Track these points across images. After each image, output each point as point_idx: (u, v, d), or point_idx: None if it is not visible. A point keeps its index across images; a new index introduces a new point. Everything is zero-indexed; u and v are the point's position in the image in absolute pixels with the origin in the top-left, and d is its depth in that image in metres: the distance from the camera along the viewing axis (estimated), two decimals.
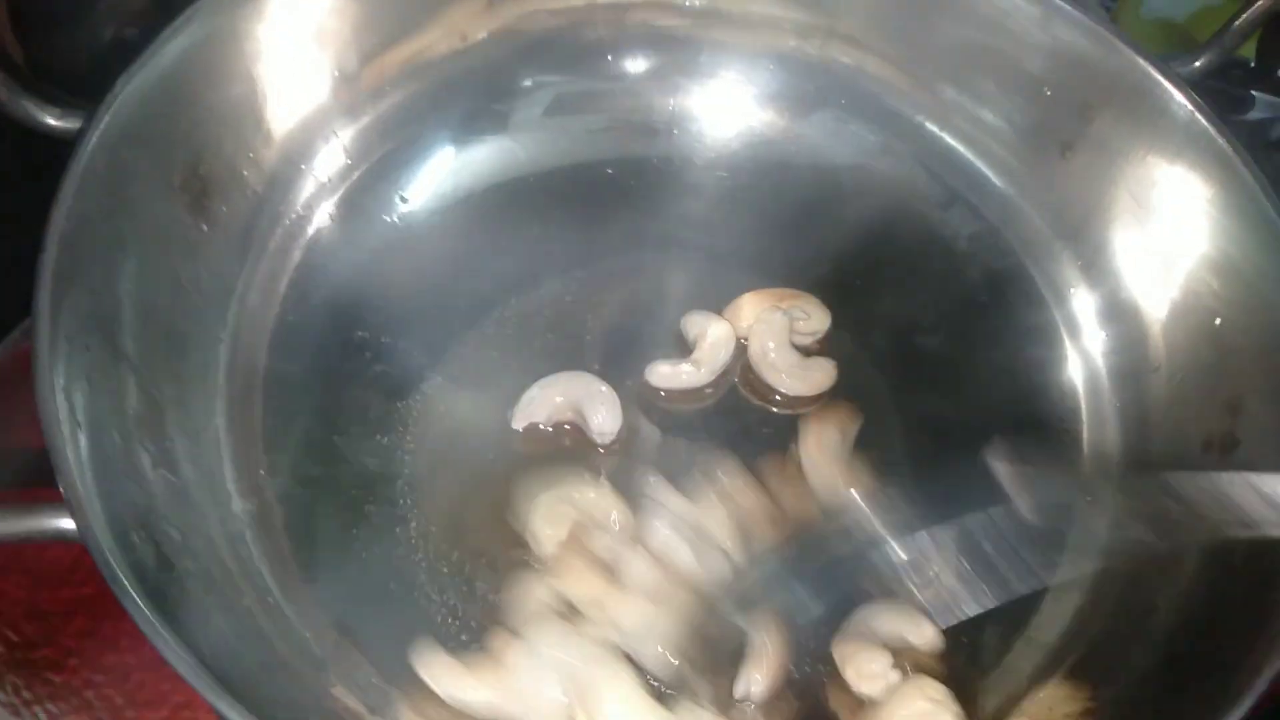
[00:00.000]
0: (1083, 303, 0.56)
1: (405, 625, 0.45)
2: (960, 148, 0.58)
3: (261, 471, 0.48)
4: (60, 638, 0.53)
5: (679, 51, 0.60)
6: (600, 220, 0.56)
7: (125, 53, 0.44)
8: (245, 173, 0.51)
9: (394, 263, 0.55)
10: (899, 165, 0.59)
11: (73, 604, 0.53)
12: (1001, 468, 0.45)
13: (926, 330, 0.55)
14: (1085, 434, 0.53)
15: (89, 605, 0.53)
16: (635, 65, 0.60)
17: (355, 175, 0.56)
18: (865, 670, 0.45)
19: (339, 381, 0.52)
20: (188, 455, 0.45)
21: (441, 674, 0.43)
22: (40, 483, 0.51)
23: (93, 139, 0.41)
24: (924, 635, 0.46)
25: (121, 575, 0.33)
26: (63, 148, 0.43)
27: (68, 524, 0.35)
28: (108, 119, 0.42)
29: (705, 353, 0.52)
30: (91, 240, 0.41)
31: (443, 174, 0.56)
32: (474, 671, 0.43)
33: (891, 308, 0.55)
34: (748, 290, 0.54)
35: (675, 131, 0.59)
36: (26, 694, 0.52)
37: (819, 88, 0.59)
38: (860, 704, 0.45)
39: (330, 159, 0.55)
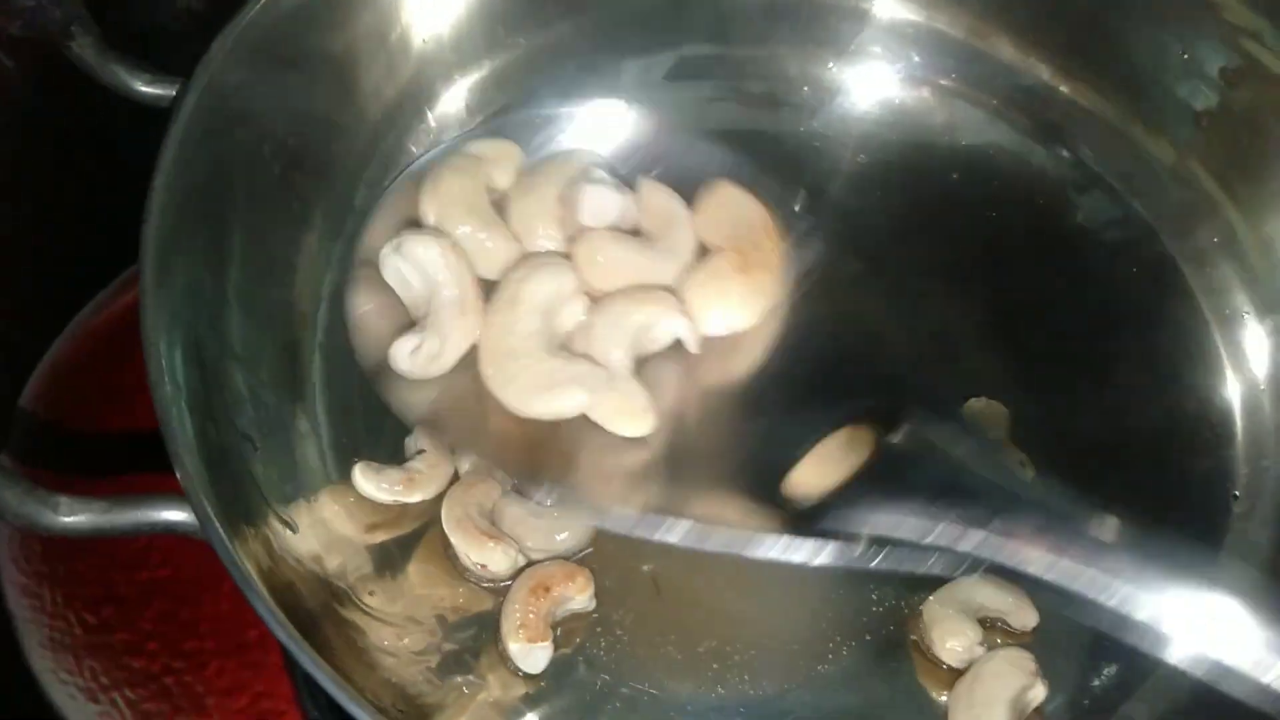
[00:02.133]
0: (1245, 306, 0.52)
1: None
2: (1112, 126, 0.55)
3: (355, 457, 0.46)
4: (138, 622, 0.51)
5: (822, 20, 0.57)
6: None
7: (192, 21, 0.42)
8: (332, 144, 0.49)
9: None
10: (1038, 150, 0.56)
11: (150, 587, 0.52)
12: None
13: (1063, 329, 0.52)
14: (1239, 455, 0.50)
15: (166, 589, 0.52)
16: (772, 32, 0.57)
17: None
18: (951, 641, 0.44)
19: None
20: (280, 444, 0.43)
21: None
22: (127, 469, 0.51)
23: (190, 103, 0.39)
24: (1024, 619, 0.45)
25: (253, 577, 0.31)
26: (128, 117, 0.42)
27: (179, 516, 0.33)
28: (205, 82, 0.40)
29: None
30: (192, 211, 0.39)
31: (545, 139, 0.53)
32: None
33: (1024, 301, 0.52)
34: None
35: (809, 105, 0.56)
36: (104, 679, 0.50)
37: (965, 69, 0.56)
38: (944, 670, 0.44)
39: (424, 132, 0.52)
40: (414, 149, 0.52)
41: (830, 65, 0.58)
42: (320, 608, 0.42)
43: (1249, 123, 0.51)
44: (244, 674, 0.51)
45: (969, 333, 0.52)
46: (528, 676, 0.43)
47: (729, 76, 0.57)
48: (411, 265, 0.43)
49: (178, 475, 0.32)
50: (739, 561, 0.46)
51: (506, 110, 0.54)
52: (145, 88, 0.42)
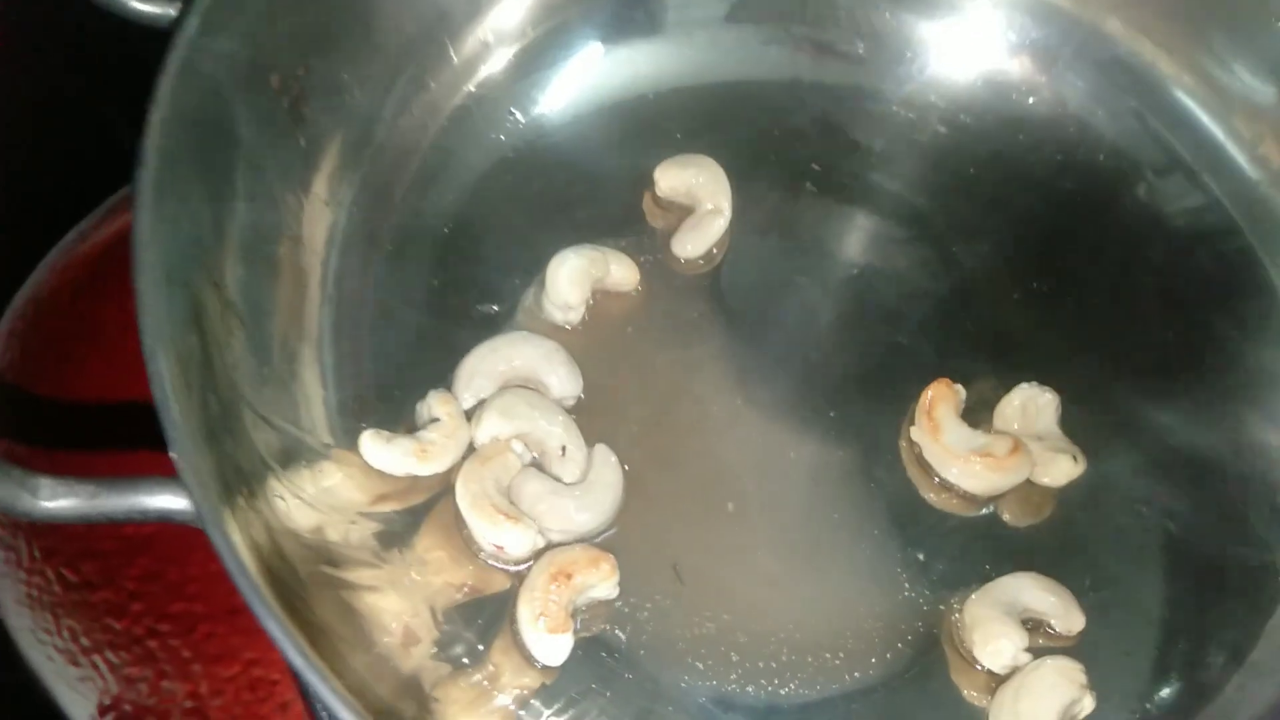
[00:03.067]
0: None
1: None
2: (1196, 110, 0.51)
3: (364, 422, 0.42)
4: (121, 580, 0.48)
5: None
6: (765, 156, 0.49)
7: None
8: (346, 76, 0.45)
9: (510, 182, 0.49)
10: (1126, 127, 0.51)
11: (135, 543, 0.49)
12: None
13: (1126, 316, 0.48)
14: None
15: (152, 545, 0.49)
16: None
17: (474, 81, 0.49)
18: (993, 644, 0.42)
19: (446, 319, 0.46)
20: (283, 407, 0.39)
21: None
22: (117, 444, 0.48)
23: (192, 25, 0.35)
24: (1070, 623, 0.43)
25: (253, 574, 0.28)
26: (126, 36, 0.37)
27: (175, 504, 0.29)
28: (207, 5, 0.35)
29: None
30: (191, 152, 0.34)
31: (574, 85, 0.49)
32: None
33: (1089, 285, 0.49)
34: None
35: (877, 61, 0.52)
36: (85, 640, 0.48)
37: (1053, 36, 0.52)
38: (982, 674, 0.42)
39: (446, 66, 0.48)
40: (433, 85, 0.47)
41: (903, 18, 0.53)
42: (319, 587, 0.39)
43: None
44: (234, 640, 0.48)
45: (1028, 316, 0.49)
46: (545, 667, 0.40)
47: (790, 20, 0.52)
48: None
49: (176, 464, 0.28)
50: (766, 553, 0.44)
51: (534, 46, 0.50)
52: (141, 5, 0.37)
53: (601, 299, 0.48)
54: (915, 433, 0.46)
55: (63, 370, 0.53)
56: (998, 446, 0.45)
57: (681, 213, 0.50)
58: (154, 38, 0.37)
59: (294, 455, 0.40)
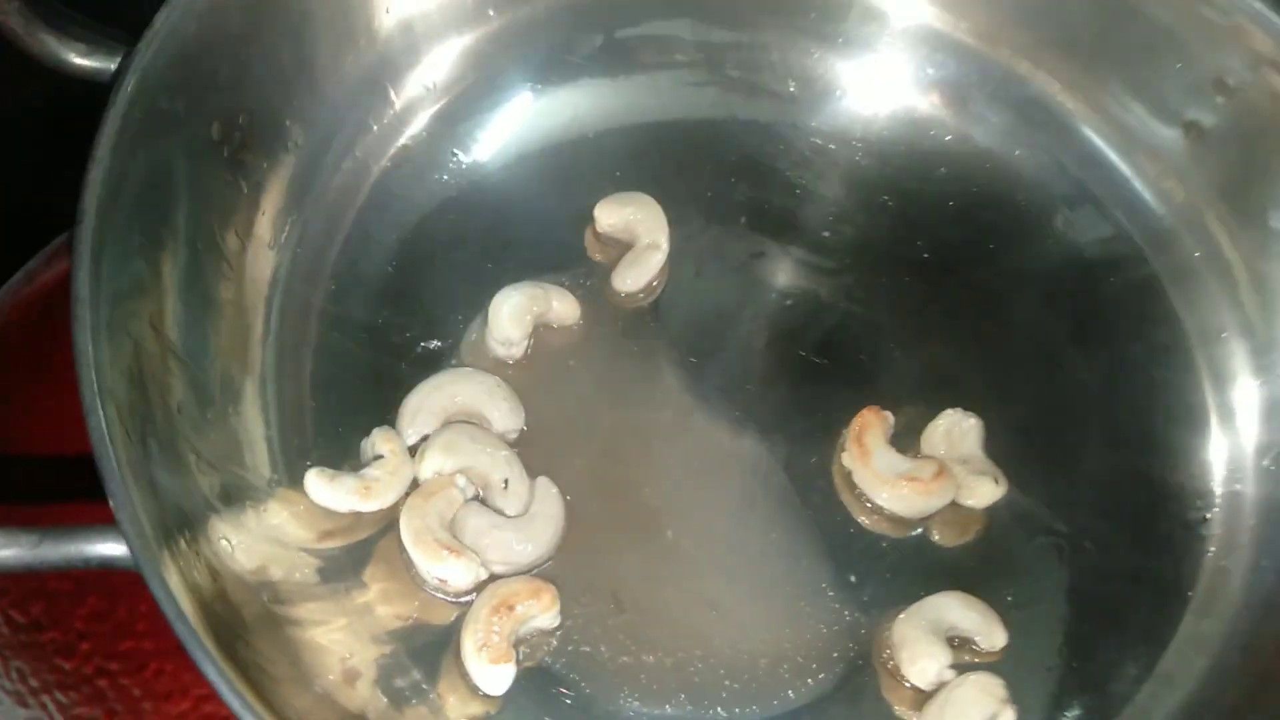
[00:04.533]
0: (1235, 351, 0.50)
1: None
2: (1104, 147, 0.53)
3: (308, 460, 0.43)
4: (70, 620, 0.49)
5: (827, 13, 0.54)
6: (700, 192, 0.51)
7: None
8: (288, 122, 0.46)
9: (448, 225, 0.50)
10: (1038, 161, 0.54)
11: (85, 582, 0.49)
12: None
13: (1043, 344, 0.50)
14: (1215, 528, 0.48)
15: (101, 585, 0.49)
16: (769, 20, 0.54)
17: (413, 127, 0.50)
18: (919, 663, 0.43)
19: (390, 356, 0.48)
20: (226, 447, 0.40)
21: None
22: (53, 493, 0.48)
23: (130, 84, 0.36)
24: (993, 639, 0.45)
25: (193, 625, 0.28)
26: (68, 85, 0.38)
27: (116, 551, 0.30)
28: (149, 58, 0.36)
29: None
30: (130, 205, 0.35)
31: (514, 125, 0.50)
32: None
33: (1007, 313, 0.51)
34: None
35: (805, 99, 0.54)
36: (33, 681, 0.48)
37: (969, 75, 0.54)
38: (910, 691, 0.44)
39: (387, 108, 0.49)
40: (375, 128, 0.49)
41: (829, 59, 0.55)
42: (263, 626, 0.40)
43: (1240, 138, 0.50)
44: (185, 676, 0.48)
45: (952, 343, 0.51)
46: (488, 697, 0.41)
47: (718, 65, 0.54)
48: None
49: (114, 514, 0.29)
50: (703, 578, 0.45)
51: (470, 90, 0.51)
52: (81, 60, 0.38)
53: (544, 333, 0.49)
54: (846, 458, 0.48)
55: (11, 410, 0.53)
56: (924, 470, 0.47)
57: (621, 248, 0.51)
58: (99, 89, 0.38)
59: (238, 495, 0.41)
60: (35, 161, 0.62)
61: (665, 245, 0.51)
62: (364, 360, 0.47)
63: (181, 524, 0.35)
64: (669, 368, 0.49)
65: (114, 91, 0.35)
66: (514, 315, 0.48)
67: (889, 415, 0.48)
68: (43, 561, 0.29)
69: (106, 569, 0.30)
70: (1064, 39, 0.52)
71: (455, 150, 0.52)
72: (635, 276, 0.50)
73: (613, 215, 0.51)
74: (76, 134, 0.35)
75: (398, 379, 0.47)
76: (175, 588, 0.30)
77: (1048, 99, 0.54)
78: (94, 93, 0.38)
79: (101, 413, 0.29)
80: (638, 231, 0.51)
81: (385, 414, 0.46)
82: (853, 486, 0.48)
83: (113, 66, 0.38)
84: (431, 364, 0.48)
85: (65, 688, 0.47)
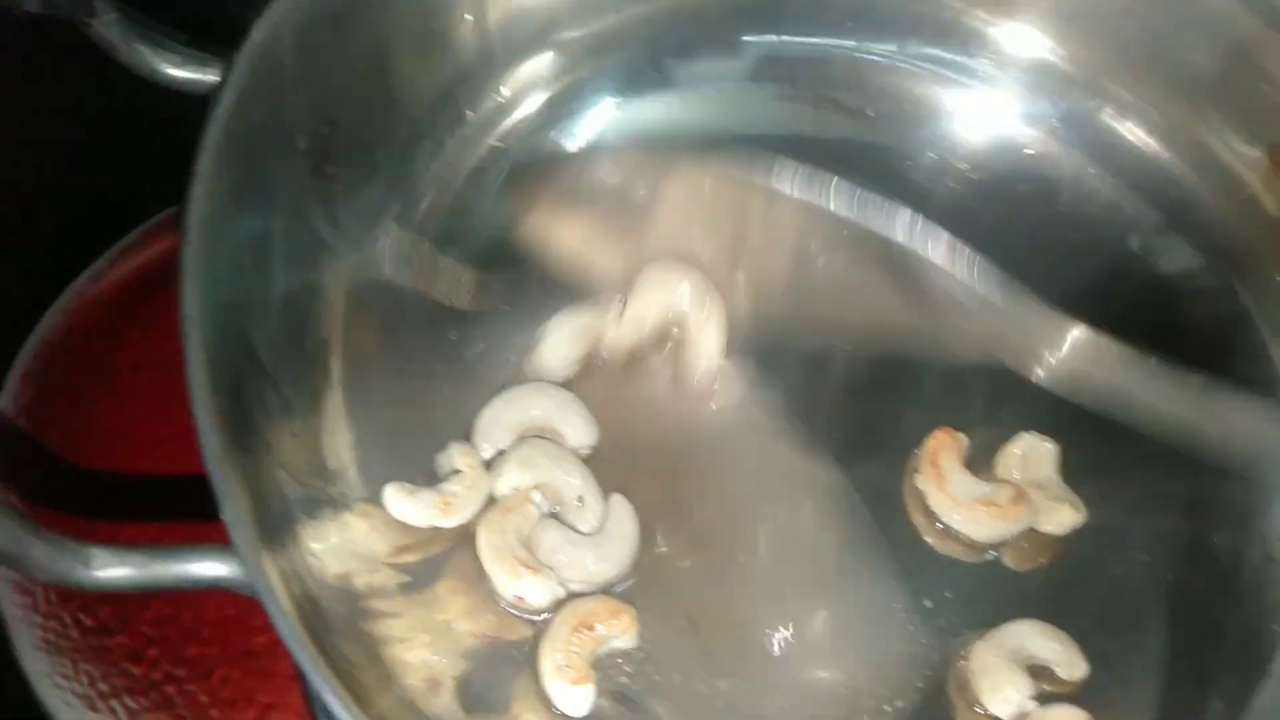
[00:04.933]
0: None
1: None
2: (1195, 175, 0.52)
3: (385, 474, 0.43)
4: (137, 625, 0.49)
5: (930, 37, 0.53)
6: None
7: None
8: (369, 135, 0.45)
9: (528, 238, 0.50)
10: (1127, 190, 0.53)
11: None
12: None
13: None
14: None
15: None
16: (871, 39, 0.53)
17: (491, 140, 0.50)
18: (1002, 692, 0.43)
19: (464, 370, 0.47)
20: (310, 461, 0.40)
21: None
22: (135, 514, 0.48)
23: (229, 97, 0.36)
24: (1074, 670, 0.44)
25: (310, 650, 0.28)
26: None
27: (225, 571, 0.30)
28: (246, 72, 0.36)
29: None
30: (229, 220, 0.35)
31: (595, 137, 0.50)
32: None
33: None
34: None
35: (900, 121, 0.53)
36: (103, 685, 0.48)
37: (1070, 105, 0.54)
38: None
39: (460, 118, 0.49)
40: (450, 142, 0.49)
41: (928, 84, 0.55)
42: (346, 631, 0.40)
43: None
44: (250, 683, 0.48)
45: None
46: (566, 718, 0.41)
47: (811, 83, 0.54)
48: None
49: (233, 539, 0.29)
50: (776, 603, 0.45)
51: (551, 102, 0.51)
52: (175, 71, 0.38)
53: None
54: (920, 480, 0.47)
55: (74, 413, 0.53)
56: (1000, 495, 0.46)
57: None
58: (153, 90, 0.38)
59: (319, 509, 0.41)
60: (100, 162, 0.62)
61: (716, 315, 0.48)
62: (440, 373, 0.47)
63: (276, 539, 0.35)
64: (740, 387, 0.49)
65: (213, 105, 0.35)
66: (573, 336, 0.48)
67: (963, 437, 0.48)
68: (151, 580, 0.29)
69: (215, 589, 0.30)
70: (1176, 81, 0.52)
71: (523, 159, 0.52)
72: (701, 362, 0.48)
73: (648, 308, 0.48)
74: (130, 135, 0.35)
75: (473, 393, 0.46)
76: (287, 605, 0.30)
77: (1146, 131, 0.53)
78: (142, 94, 0.38)
79: (211, 432, 0.29)
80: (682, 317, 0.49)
81: (460, 428, 0.46)
82: (926, 509, 0.47)
83: (202, 77, 0.38)
84: (507, 378, 0.47)
85: (134, 693, 0.47)
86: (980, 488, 0.47)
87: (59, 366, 0.55)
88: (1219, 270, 0.52)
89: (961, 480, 0.47)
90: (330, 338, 0.44)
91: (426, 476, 0.45)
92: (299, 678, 0.48)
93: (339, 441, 0.43)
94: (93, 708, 0.47)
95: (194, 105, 0.38)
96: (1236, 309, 0.51)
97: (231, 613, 0.49)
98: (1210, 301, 0.51)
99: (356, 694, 0.33)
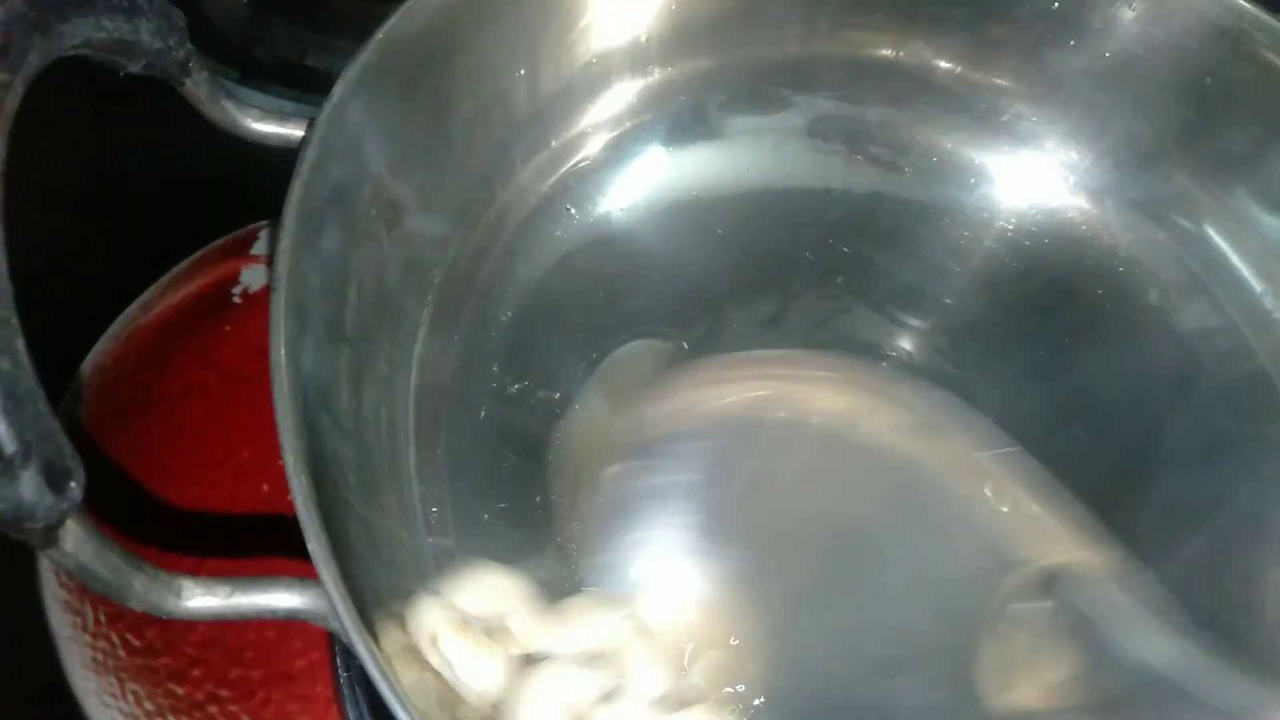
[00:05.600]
0: None
1: None
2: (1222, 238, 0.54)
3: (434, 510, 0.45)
4: (182, 646, 0.50)
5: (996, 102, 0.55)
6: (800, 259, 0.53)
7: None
8: (426, 184, 0.48)
9: (566, 275, 0.52)
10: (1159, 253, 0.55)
11: None
12: None
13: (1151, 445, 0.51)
14: None
15: None
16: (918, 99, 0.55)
17: (542, 187, 0.52)
18: None
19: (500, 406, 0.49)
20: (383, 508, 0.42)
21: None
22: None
23: (312, 155, 0.38)
24: None
25: (387, 674, 0.30)
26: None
27: (305, 603, 0.32)
28: (326, 129, 0.39)
29: None
30: (311, 271, 0.37)
31: (641, 183, 0.52)
32: None
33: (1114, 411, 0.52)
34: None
35: (942, 180, 0.55)
36: (149, 705, 0.49)
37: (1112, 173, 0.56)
38: None
39: (514, 182, 0.51)
40: (504, 196, 0.51)
41: (972, 144, 0.57)
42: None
43: None
44: (291, 706, 0.50)
45: (1052, 443, 0.51)
46: None
47: (860, 139, 0.56)
48: None
49: (316, 564, 0.31)
50: None
51: (603, 152, 0.53)
52: (256, 124, 0.40)
53: None
54: None
55: (124, 439, 0.55)
56: None
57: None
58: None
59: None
60: (150, 192, 0.64)
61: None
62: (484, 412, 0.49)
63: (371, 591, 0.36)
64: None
65: (300, 161, 0.37)
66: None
67: None
68: (235, 611, 0.31)
69: (292, 619, 0.32)
70: (1216, 155, 0.53)
71: (570, 207, 0.54)
72: None
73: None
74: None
75: (520, 432, 0.48)
76: (373, 645, 0.32)
77: (1181, 199, 0.55)
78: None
79: (301, 480, 0.31)
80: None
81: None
82: None
83: (278, 130, 0.40)
84: (548, 416, 0.49)
85: (178, 712, 0.49)
86: None
87: (110, 392, 0.57)
88: (1240, 333, 0.53)
89: None
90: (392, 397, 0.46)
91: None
92: (337, 700, 0.50)
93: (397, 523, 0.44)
94: None
95: (244, 142, 0.40)
96: (1256, 369, 0.53)
97: (273, 635, 0.51)
98: (1231, 363, 0.53)
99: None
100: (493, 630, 0.40)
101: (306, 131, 0.38)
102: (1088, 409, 0.51)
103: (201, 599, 0.31)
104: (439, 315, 0.47)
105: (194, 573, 0.32)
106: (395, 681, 0.30)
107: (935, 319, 0.54)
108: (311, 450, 0.33)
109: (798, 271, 0.54)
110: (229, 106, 0.39)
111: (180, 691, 0.49)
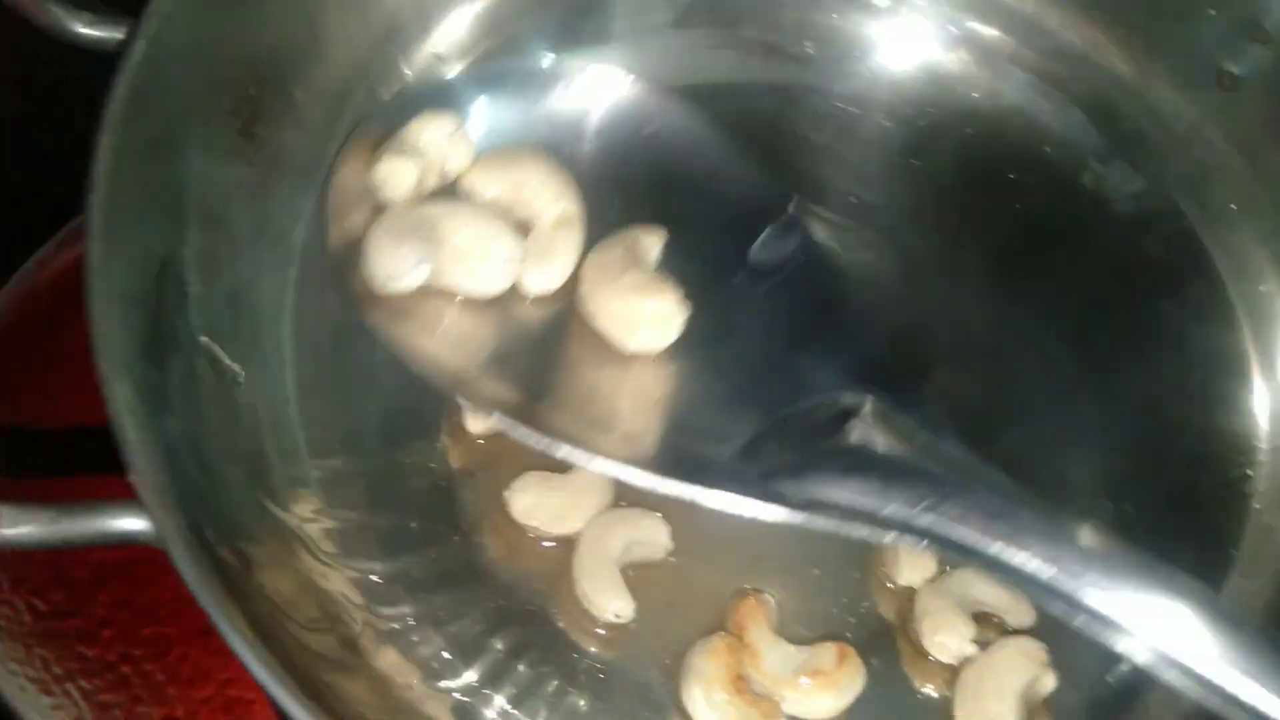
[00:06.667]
0: (1276, 301, 0.49)
1: None
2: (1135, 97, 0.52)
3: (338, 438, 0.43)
4: (91, 606, 0.48)
5: None
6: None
7: None
8: (298, 93, 0.45)
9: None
10: (1067, 117, 0.53)
11: (103, 570, 0.49)
12: None
13: (1076, 308, 0.49)
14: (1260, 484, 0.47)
15: (121, 571, 0.49)
16: None
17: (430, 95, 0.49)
18: (942, 635, 0.42)
19: None
20: (255, 430, 0.40)
21: None
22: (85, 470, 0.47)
23: (138, 51, 0.35)
24: (1021, 615, 0.43)
25: (210, 590, 0.28)
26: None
27: (139, 525, 0.29)
28: (157, 24, 0.36)
29: None
30: (142, 186, 0.35)
31: (529, 92, 0.49)
32: None
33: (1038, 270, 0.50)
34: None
35: (824, 60, 0.52)
36: (57, 669, 0.47)
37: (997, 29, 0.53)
38: (937, 666, 0.43)
39: (398, 81, 0.48)
40: (387, 98, 0.48)
41: (849, 18, 0.54)
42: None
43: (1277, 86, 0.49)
44: (208, 660, 0.48)
45: (974, 306, 0.49)
46: None
47: (737, 24, 0.53)
48: None
49: (133, 481, 0.28)
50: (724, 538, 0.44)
51: (485, 59, 0.50)
52: (86, 29, 0.37)
53: None
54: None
55: (31, 400, 0.53)
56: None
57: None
58: (102, 61, 0.37)
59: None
60: (37, 151, 0.61)
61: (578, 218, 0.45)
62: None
63: (207, 512, 0.34)
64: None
65: (123, 58, 0.35)
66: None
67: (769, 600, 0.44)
68: (61, 537, 0.28)
69: (128, 544, 0.30)
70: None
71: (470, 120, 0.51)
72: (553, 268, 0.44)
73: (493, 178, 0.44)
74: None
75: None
76: (198, 561, 0.29)
77: (1076, 53, 0.53)
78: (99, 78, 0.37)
79: (117, 384, 0.29)
80: (534, 205, 0.44)
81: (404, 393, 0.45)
82: None
83: (120, 35, 0.38)
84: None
85: (89, 675, 0.47)
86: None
87: (11, 354, 0.54)
88: (1165, 193, 0.51)
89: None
90: (262, 300, 0.43)
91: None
92: None
93: (274, 413, 0.42)
94: (48, 691, 0.47)
95: None
96: (1182, 230, 0.51)
97: (187, 592, 0.49)
98: (1156, 225, 0.51)
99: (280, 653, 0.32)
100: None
101: (130, 29, 0.35)
102: (1000, 270, 0.49)
103: (23, 526, 0.29)
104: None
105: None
106: (228, 610, 0.28)
107: (836, 200, 0.51)
108: (143, 359, 0.30)
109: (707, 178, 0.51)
110: (56, 10, 0.36)
111: (90, 653, 0.48)
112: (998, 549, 0.36)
